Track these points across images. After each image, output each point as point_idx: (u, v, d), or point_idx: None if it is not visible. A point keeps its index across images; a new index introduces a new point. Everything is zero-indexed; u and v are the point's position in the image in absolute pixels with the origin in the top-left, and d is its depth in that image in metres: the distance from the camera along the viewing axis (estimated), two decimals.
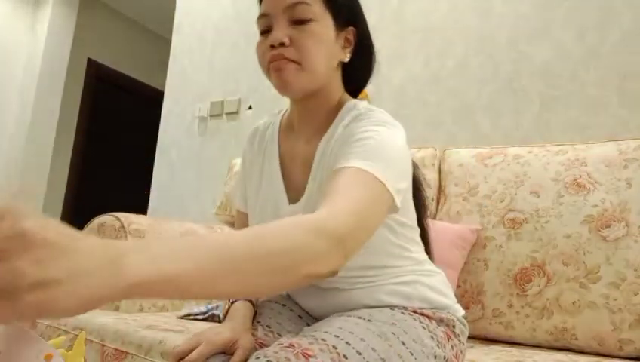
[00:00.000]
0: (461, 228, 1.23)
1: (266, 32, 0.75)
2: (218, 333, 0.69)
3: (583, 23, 1.49)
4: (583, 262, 1.09)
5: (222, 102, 2.41)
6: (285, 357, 0.58)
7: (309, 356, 0.58)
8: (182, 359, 0.65)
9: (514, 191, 1.22)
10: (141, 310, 1.35)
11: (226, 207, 1.84)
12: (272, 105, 2.22)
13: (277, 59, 0.72)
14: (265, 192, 0.83)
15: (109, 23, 4.22)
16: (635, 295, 1.03)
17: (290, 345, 0.60)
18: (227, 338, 0.68)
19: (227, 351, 0.68)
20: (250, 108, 2.31)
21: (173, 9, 2.79)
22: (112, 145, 5.04)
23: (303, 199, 0.78)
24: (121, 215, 1.41)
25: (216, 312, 1.31)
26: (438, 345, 0.72)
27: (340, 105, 0.80)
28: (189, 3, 2.69)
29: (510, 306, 1.14)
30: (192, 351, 0.66)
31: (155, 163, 2.66)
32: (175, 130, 2.61)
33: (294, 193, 0.80)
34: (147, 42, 4.53)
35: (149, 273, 0.38)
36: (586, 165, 1.17)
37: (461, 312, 0.83)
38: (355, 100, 0.81)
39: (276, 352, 0.59)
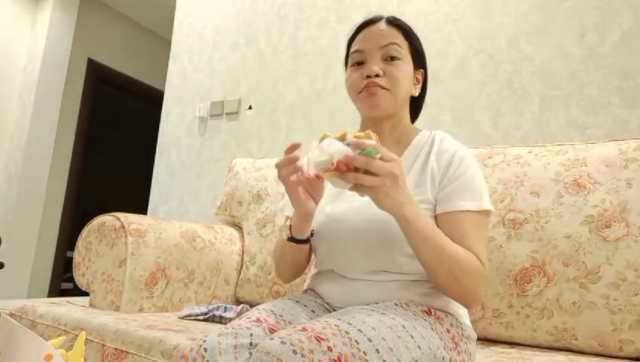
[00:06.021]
0: None
1: (357, 64, 0.93)
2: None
3: (583, 23, 1.49)
4: (583, 262, 1.09)
5: (222, 102, 2.41)
6: (298, 339, 0.61)
7: (322, 339, 0.61)
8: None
9: (514, 191, 1.22)
10: (141, 310, 1.35)
11: (226, 207, 1.84)
12: (272, 105, 2.22)
13: (372, 86, 0.90)
14: (331, 188, 0.94)
15: (109, 23, 4.22)
16: (636, 295, 1.03)
17: (304, 329, 0.64)
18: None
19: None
20: (250, 108, 2.31)
21: (173, 9, 2.79)
22: (112, 145, 5.04)
23: None
24: (121, 215, 1.41)
25: (216, 313, 1.31)
26: (444, 347, 0.76)
27: (411, 129, 0.99)
28: (189, 3, 2.69)
29: (510, 306, 1.14)
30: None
31: (155, 163, 2.66)
32: (175, 130, 2.61)
33: None
34: (147, 42, 4.53)
35: (413, 219, 0.75)
36: (586, 165, 1.17)
37: (472, 331, 0.89)
38: (425, 130, 1.01)
39: (289, 334, 0.62)
